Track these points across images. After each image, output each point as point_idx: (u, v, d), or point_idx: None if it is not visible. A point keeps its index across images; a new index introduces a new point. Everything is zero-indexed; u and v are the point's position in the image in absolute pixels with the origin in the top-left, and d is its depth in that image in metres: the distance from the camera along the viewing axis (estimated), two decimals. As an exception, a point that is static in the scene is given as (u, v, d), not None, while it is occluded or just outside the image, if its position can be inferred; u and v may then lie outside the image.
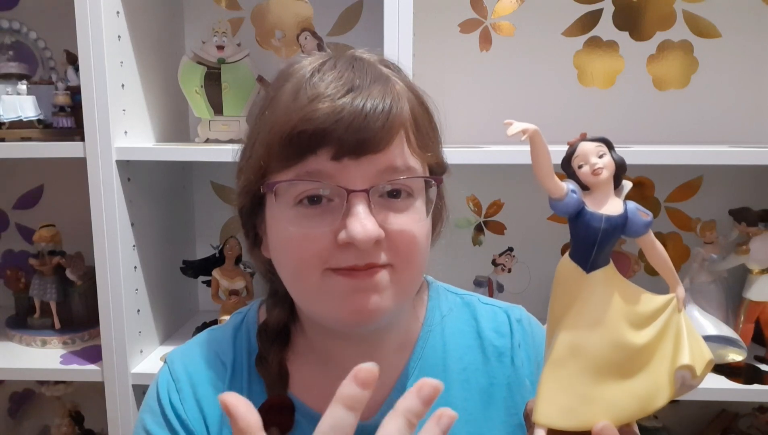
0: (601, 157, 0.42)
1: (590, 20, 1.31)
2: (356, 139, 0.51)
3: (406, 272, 0.55)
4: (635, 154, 1.03)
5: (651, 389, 0.43)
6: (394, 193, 0.54)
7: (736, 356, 1.11)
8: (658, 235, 1.41)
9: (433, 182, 0.57)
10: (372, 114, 0.51)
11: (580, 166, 0.43)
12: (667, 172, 1.34)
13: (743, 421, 1.31)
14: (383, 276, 0.54)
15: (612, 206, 0.43)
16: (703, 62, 1.30)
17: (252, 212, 0.60)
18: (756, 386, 1.06)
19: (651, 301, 0.44)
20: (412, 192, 0.55)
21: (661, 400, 0.43)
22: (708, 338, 1.10)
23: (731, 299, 1.20)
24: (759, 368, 1.12)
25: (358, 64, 0.55)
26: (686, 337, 0.44)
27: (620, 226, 0.43)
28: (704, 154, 1.02)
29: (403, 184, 0.54)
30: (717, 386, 1.06)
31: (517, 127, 0.42)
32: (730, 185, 1.32)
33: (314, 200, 0.53)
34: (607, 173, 0.42)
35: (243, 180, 0.58)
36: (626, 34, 1.31)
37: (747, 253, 1.16)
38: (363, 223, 0.51)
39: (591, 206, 0.43)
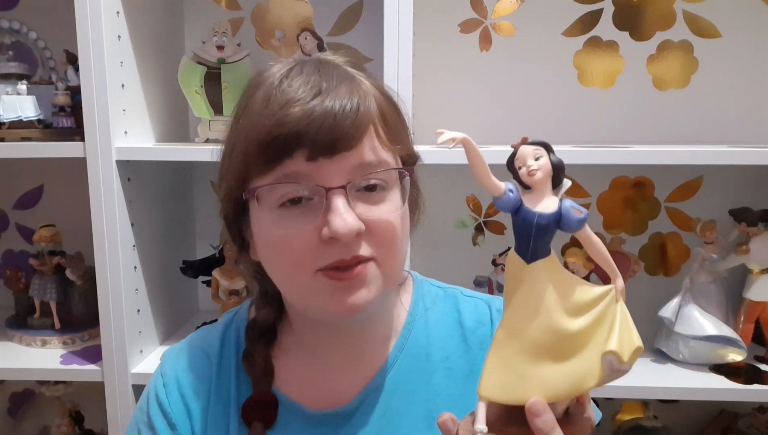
0: (537, 159, 0.46)
1: (590, 20, 1.31)
2: (329, 138, 0.53)
3: (389, 262, 0.58)
4: (635, 154, 1.03)
5: (582, 372, 0.46)
6: (370, 187, 0.56)
7: (736, 356, 1.11)
8: (658, 235, 1.42)
9: (406, 173, 0.60)
10: (341, 113, 0.53)
11: (519, 168, 0.46)
12: (667, 172, 1.34)
13: (743, 421, 1.31)
14: (370, 270, 0.56)
15: (547, 204, 0.46)
16: (703, 62, 1.30)
17: (236, 218, 0.61)
18: (756, 386, 1.06)
19: (588, 291, 0.48)
20: (386, 184, 0.57)
21: (592, 381, 0.46)
22: (708, 338, 1.10)
23: (731, 299, 1.20)
24: (759, 368, 1.12)
25: (324, 68, 0.57)
26: (618, 326, 0.47)
27: (554, 221, 0.46)
28: (704, 154, 1.02)
29: (378, 177, 0.56)
30: (717, 386, 1.06)
31: (447, 135, 0.45)
32: (730, 185, 1.32)
33: (295, 201, 0.55)
34: (540, 174, 0.46)
35: (224, 187, 0.60)
36: (626, 34, 1.31)
37: (747, 253, 1.16)
38: (344, 217, 0.53)
39: (528, 204, 0.46)
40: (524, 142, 0.47)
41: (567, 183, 0.48)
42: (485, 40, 1.33)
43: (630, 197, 1.35)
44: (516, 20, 1.31)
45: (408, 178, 0.60)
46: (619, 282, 0.48)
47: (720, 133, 1.30)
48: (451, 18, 1.32)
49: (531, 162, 0.46)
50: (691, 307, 1.14)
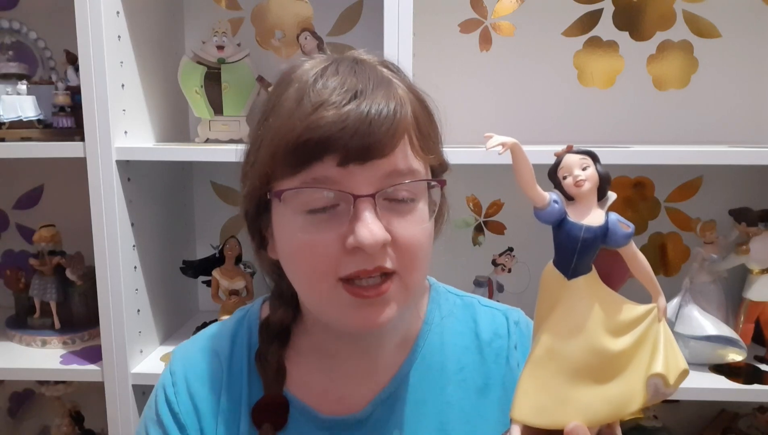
0: (584, 169, 0.44)
1: (590, 20, 1.31)
2: (362, 145, 0.51)
3: (411, 278, 0.56)
4: (635, 154, 1.03)
5: (625, 395, 0.44)
6: (399, 197, 0.54)
7: (736, 356, 1.11)
8: (658, 235, 1.41)
9: (437, 184, 0.58)
10: (377, 119, 0.51)
11: (564, 177, 0.44)
12: (667, 172, 1.34)
13: (743, 421, 1.31)
14: (391, 290, 0.54)
15: (593, 217, 0.44)
16: (703, 62, 1.30)
17: (257, 216, 0.60)
18: (756, 386, 1.06)
19: (631, 310, 0.46)
20: (415, 195, 0.55)
21: (634, 405, 0.44)
22: (708, 338, 1.10)
23: (731, 299, 1.20)
24: (759, 368, 1.12)
25: (360, 68, 0.55)
26: (663, 347, 0.45)
27: (600, 236, 0.44)
28: (704, 154, 1.02)
29: (408, 188, 0.54)
30: (717, 386, 1.06)
31: (496, 140, 0.43)
32: (730, 185, 1.32)
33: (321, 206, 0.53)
34: (589, 185, 0.44)
35: (248, 185, 0.58)
36: (626, 34, 1.31)
37: (747, 253, 1.16)
38: (370, 228, 0.51)
39: (573, 216, 0.44)
40: (569, 150, 0.45)
41: (612, 195, 0.46)
42: (485, 40, 1.33)
43: (630, 197, 1.35)
44: (516, 20, 1.31)
45: (437, 188, 0.58)
46: (662, 301, 0.46)
47: (720, 133, 1.30)
48: (451, 18, 1.32)
49: (578, 172, 0.44)
50: (691, 307, 1.14)
